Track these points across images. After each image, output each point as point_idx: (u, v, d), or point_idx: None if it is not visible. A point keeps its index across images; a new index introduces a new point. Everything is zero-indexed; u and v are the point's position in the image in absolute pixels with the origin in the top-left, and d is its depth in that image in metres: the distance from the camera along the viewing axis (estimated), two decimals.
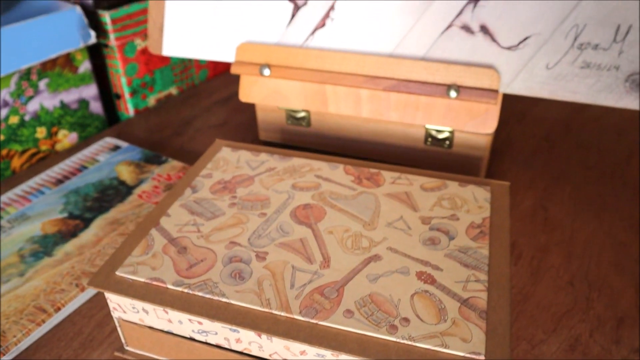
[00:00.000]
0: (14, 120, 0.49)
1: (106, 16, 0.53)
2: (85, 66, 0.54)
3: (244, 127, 0.54)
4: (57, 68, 0.51)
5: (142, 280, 0.30)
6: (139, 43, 0.57)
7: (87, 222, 0.42)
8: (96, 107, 0.56)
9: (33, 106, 0.51)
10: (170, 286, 0.29)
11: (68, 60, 0.52)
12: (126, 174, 0.47)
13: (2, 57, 0.46)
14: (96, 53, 0.57)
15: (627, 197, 0.45)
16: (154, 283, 0.30)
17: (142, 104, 0.59)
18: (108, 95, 0.59)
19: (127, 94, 0.58)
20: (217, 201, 0.35)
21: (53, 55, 0.49)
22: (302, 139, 0.50)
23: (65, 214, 0.43)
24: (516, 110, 0.58)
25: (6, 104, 0.48)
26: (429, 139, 0.45)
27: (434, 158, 0.46)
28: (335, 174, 0.37)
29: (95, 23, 0.54)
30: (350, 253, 0.31)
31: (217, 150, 0.41)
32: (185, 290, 0.29)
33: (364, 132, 0.47)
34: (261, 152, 0.40)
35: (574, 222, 0.42)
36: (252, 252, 0.31)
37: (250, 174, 0.38)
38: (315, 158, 0.39)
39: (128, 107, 0.59)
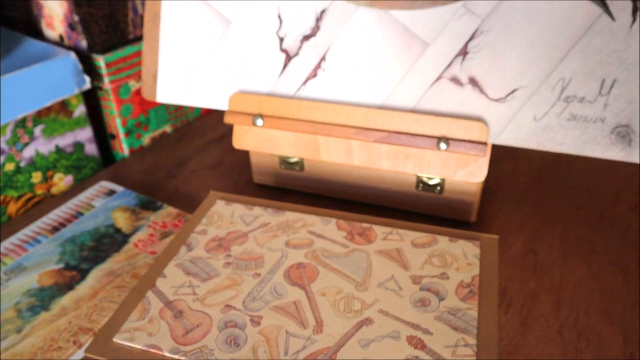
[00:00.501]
0: (10, 167, 0.50)
1: (100, 60, 0.54)
2: (80, 110, 0.54)
3: (238, 169, 0.55)
4: (53, 114, 0.52)
5: (140, 347, 0.30)
6: (133, 84, 0.57)
7: (83, 273, 0.43)
8: (91, 148, 0.57)
9: (29, 152, 0.51)
10: (167, 354, 0.30)
11: (63, 106, 0.53)
12: (122, 220, 0.48)
13: None
14: (91, 94, 0.57)
15: (615, 239, 0.46)
16: (151, 350, 0.30)
17: (136, 143, 0.60)
18: (103, 135, 0.60)
19: (121, 134, 0.58)
20: (212, 260, 0.36)
21: (48, 103, 0.50)
22: (295, 183, 0.51)
23: (61, 264, 0.44)
24: (507, 147, 0.59)
25: (2, 151, 0.49)
26: (420, 185, 0.46)
27: (425, 203, 0.47)
28: (328, 230, 0.38)
29: (89, 67, 0.55)
30: (343, 317, 0.31)
31: (212, 203, 0.42)
32: (182, 358, 0.29)
33: (356, 176, 0.47)
34: (255, 205, 0.41)
35: (563, 267, 0.43)
36: (246, 317, 0.32)
37: (244, 230, 0.38)
38: (308, 212, 0.40)
39: (123, 147, 0.59)
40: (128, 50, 0.56)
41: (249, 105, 0.45)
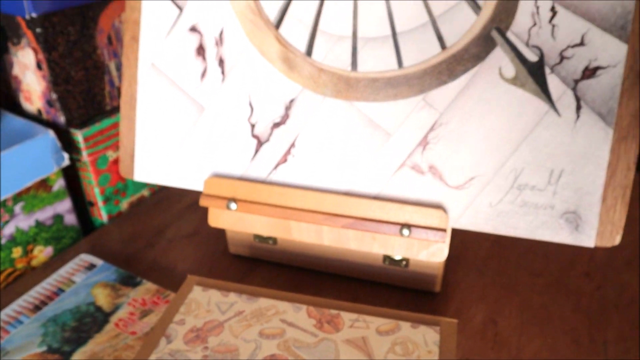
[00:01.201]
0: None
1: (79, 135, 0.56)
2: (59, 184, 0.56)
3: (215, 238, 0.57)
4: (32, 190, 0.54)
5: None
6: (111, 154, 0.59)
7: (66, 357, 0.44)
8: (70, 219, 0.58)
9: (9, 229, 0.53)
10: None
11: (42, 182, 0.54)
12: (102, 298, 0.50)
13: None
14: (69, 165, 0.59)
15: (569, 306, 0.49)
16: None
17: (115, 209, 0.62)
18: (81, 201, 0.62)
19: (100, 202, 0.60)
20: (190, 353, 0.38)
21: (28, 184, 0.51)
22: (269, 255, 0.53)
23: (44, 347, 0.45)
24: None
25: None
26: (387, 260, 0.48)
27: (392, 275, 0.50)
28: (298, 318, 0.40)
29: (67, 140, 0.56)
30: None
31: (189, 288, 0.44)
32: None
33: (326, 251, 0.50)
34: (230, 291, 0.43)
35: (521, 338, 0.46)
36: None
37: (220, 319, 0.41)
38: (281, 298, 0.42)
39: (102, 214, 0.61)
40: (105, 122, 0.58)
41: (223, 189, 0.48)
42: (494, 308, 0.49)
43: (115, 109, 0.60)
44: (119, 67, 0.59)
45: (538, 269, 0.54)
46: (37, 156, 0.52)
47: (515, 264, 0.54)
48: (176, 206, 0.63)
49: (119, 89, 0.60)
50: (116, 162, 0.60)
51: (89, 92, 0.57)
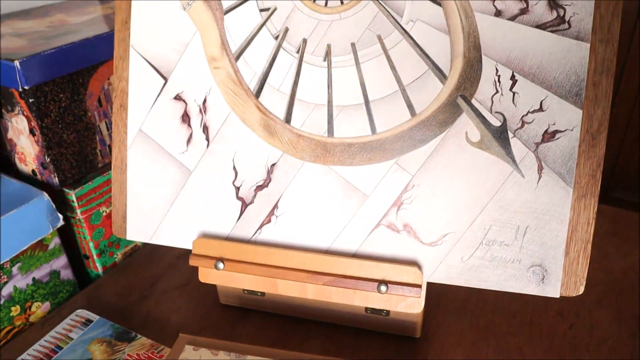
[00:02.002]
0: None
1: (72, 194, 0.58)
2: (54, 242, 0.58)
3: (206, 288, 0.60)
4: (29, 250, 0.56)
5: None
6: (104, 210, 0.62)
7: None
8: (66, 273, 0.61)
9: (7, 290, 0.55)
10: None
11: (38, 242, 0.57)
12: (99, 354, 0.52)
13: None
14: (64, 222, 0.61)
15: (543, 348, 0.52)
16: None
17: (110, 261, 0.64)
18: (76, 253, 0.64)
19: (95, 255, 0.62)
20: None
21: (25, 247, 0.54)
22: (257, 305, 0.56)
23: None
24: None
25: None
26: (369, 309, 0.51)
27: (374, 323, 0.52)
28: None
29: (61, 199, 0.59)
30: None
31: (181, 348, 0.46)
32: None
33: (312, 302, 0.53)
34: (219, 349, 0.46)
35: None
36: None
37: None
38: (268, 355, 0.45)
39: (97, 266, 0.63)
40: (98, 180, 0.60)
41: (211, 250, 0.50)
42: (471, 351, 0.52)
43: (107, 166, 0.63)
44: (109, 127, 0.62)
45: (514, 309, 0.56)
46: (34, 219, 0.55)
47: (493, 305, 0.57)
48: (168, 255, 0.66)
49: (110, 147, 0.63)
50: (109, 216, 0.63)
51: (81, 153, 0.60)
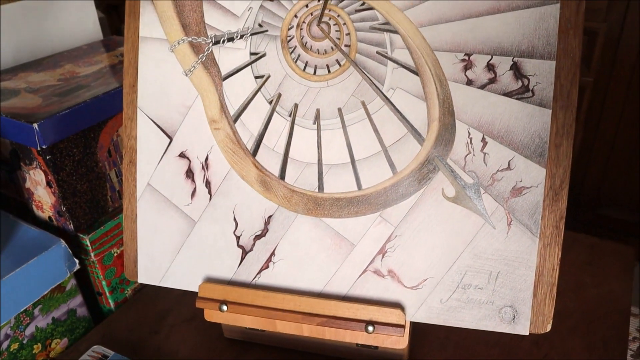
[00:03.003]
0: (15, 346, 0.59)
1: (86, 240, 0.64)
2: (71, 283, 0.64)
3: (212, 323, 0.65)
4: (48, 293, 0.61)
5: None
6: (115, 251, 0.67)
7: None
8: (82, 311, 0.66)
9: (29, 330, 0.60)
10: None
11: (57, 285, 0.62)
12: None
13: (2, 307, 0.55)
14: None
15: None
16: None
17: (121, 297, 0.69)
18: (90, 290, 0.69)
19: (107, 292, 0.68)
20: None
21: (45, 292, 0.59)
22: (259, 338, 0.61)
23: None
24: None
25: (7, 336, 0.58)
26: (359, 344, 0.56)
27: (365, 355, 0.58)
28: None
29: (76, 243, 0.64)
30: None
31: None
32: None
33: (308, 335, 0.58)
34: None
35: None
36: None
37: None
38: None
39: (109, 302, 0.69)
40: (109, 225, 0.65)
41: (215, 293, 0.56)
42: None
43: (117, 210, 0.68)
44: (118, 175, 0.67)
45: (493, 339, 0.61)
46: (53, 265, 0.60)
47: (474, 336, 0.62)
48: (175, 291, 0.70)
49: (119, 193, 0.68)
50: (120, 256, 0.68)
51: (93, 200, 0.65)
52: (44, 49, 0.82)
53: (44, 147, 0.58)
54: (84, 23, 0.88)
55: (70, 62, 0.76)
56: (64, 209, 0.62)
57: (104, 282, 0.67)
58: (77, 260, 0.62)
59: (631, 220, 1.29)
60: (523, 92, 0.48)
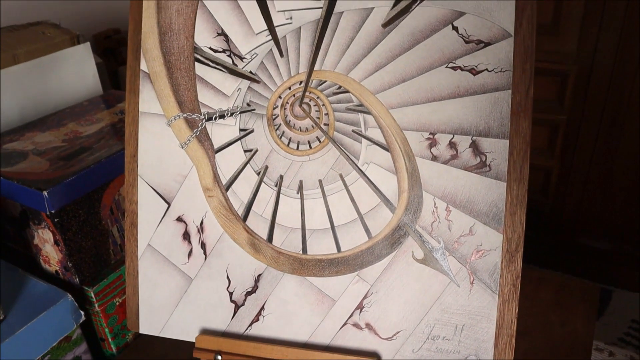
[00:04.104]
0: None
1: (91, 292, 0.69)
2: (77, 333, 0.69)
3: None
4: (55, 344, 0.67)
5: None
6: (118, 300, 0.72)
7: None
8: (87, 357, 0.71)
9: None
10: None
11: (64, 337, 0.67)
12: None
13: None
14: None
15: None
16: None
17: (122, 342, 0.75)
18: (93, 335, 0.75)
19: (110, 338, 0.73)
20: None
21: (53, 344, 0.65)
22: None
23: None
24: None
25: None
26: None
27: None
28: None
29: (81, 295, 0.70)
30: None
31: None
32: None
33: None
34: None
35: None
36: None
37: None
38: None
39: (111, 347, 0.74)
40: (112, 277, 0.71)
41: (210, 344, 0.61)
42: None
43: (119, 261, 0.74)
44: (119, 230, 0.73)
45: None
46: (60, 318, 0.65)
47: None
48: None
49: (121, 246, 0.74)
50: (122, 305, 0.73)
51: (97, 254, 0.71)
52: (47, 105, 0.88)
53: (52, 211, 0.64)
54: (84, 77, 0.94)
55: (73, 121, 0.82)
56: (70, 264, 0.68)
57: (107, 329, 0.72)
58: (82, 312, 0.68)
59: (606, 248, 1.36)
60: (481, 167, 0.54)
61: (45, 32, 0.90)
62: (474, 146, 0.54)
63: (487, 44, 0.53)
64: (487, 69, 0.54)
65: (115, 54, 1.33)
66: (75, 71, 0.91)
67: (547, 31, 1.23)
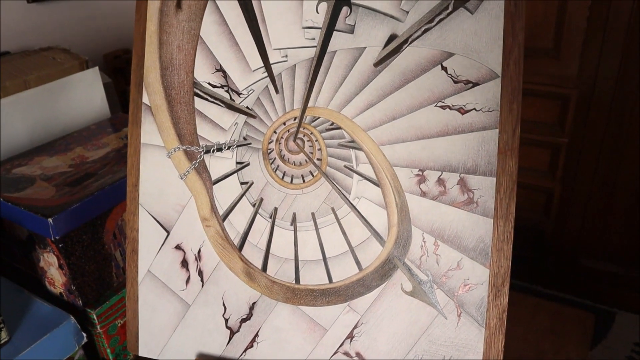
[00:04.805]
0: None
1: (93, 314, 0.71)
2: (79, 353, 0.71)
3: None
4: None
5: None
6: (119, 322, 0.75)
7: None
8: None
9: None
10: None
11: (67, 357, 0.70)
12: None
13: None
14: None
15: None
16: None
17: None
18: (95, 355, 0.77)
19: (111, 358, 0.75)
20: None
21: None
22: None
23: None
24: None
25: None
26: None
27: None
28: None
29: (84, 317, 0.72)
30: None
31: None
32: None
33: None
34: None
35: None
36: None
37: None
38: None
39: None
40: (114, 299, 0.73)
41: None
42: None
43: (121, 284, 0.76)
44: (122, 254, 0.75)
45: None
46: (63, 340, 0.68)
47: None
48: None
49: (123, 269, 0.76)
50: (123, 326, 0.76)
51: (100, 277, 0.73)
52: (56, 129, 0.91)
53: (57, 237, 0.67)
54: (92, 100, 0.97)
55: (80, 145, 0.85)
56: (73, 287, 0.70)
57: (108, 350, 0.75)
58: (84, 334, 0.70)
59: (609, 270, 1.36)
60: (469, 204, 0.56)
61: (55, 57, 0.93)
62: (462, 183, 0.56)
63: (476, 84, 0.55)
64: (475, 109, 0.55)
65: (124, 73, 1.37)
66: (84, 95, 0.94)
67: (548, 55, 1.24)
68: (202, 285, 0.64)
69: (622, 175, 1.25)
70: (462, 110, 0.56)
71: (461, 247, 0.56)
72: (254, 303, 0.62)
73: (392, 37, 0.56)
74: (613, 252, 1.34)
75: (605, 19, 1.15)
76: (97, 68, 0.94)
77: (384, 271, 0.58)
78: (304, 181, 0.60)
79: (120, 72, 1.35)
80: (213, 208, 0.63)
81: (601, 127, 1.23)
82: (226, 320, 0.63)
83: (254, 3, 0.60)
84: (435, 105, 0.56)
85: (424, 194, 0.57)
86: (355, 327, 0.59)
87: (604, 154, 1.25)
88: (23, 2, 1.16)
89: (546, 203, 1.38)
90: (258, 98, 0.61)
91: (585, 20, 1.17)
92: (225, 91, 0.62)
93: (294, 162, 0.61)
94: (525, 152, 1.28)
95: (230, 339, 0.63)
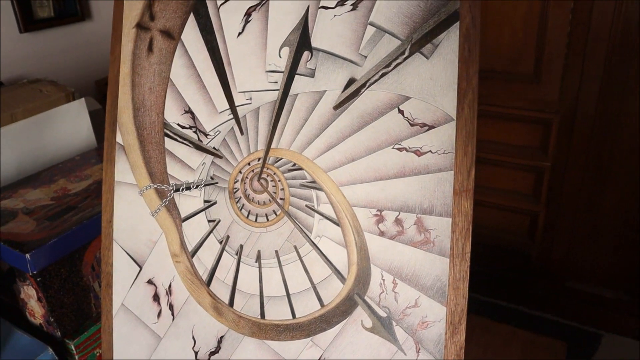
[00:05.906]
0: None
1: (72, 345, 0.74)
2: None
3: None
4: None
5: None
6: (98, 351, 0.77)
7: None
8: None
9: None
10: None
11: None
12: None
13: None
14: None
15: None
16: None
17: None
18: None
19: None
20: None
21: None
22: None
23: None
24: None
25: None
26: None
27: None
28: None
29: (63, 348, 0.74)
30: None
31: None
32: None
33: None
34: None
35: None
36: None
37: None
38: None
39: None
40: (92, 329, 0.75)
41: None
42: None
43: (100, 314, 0.78)
44: (100, 285, 0.77)
45: None
46: None
47: None
48: None
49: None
50: (100, 357, 0.78)
51: (79, 309, 0.75)
52: (44, 160, 0.93)
53: (34, 272, 0.69)
54: (78, 131, 0.99)
55: (64, 177, 0.87)
56: (52, 319, 0.73)
57: None
58: None
59: (595, 292, 1.36)
60: (426, 243, 0.58)
61: (42, 89, 0.96)
62: (419, 223, 0.58)
63: (431, 127, 0.57)
64: (430, 151, 0.57)
65: None
66: (70, 127, 0.97)
67: (529, 80, 1.25)
68: (173, 319, 0.66)
69: (607, 198, 1.26)
70: (419, 153, 0.57)
71: (419, 285, 0.58)
72: (222, 337, 0.64)
73: (351, 81, 0.58)
74: (600, 274, 1.34)
75: (584, 44, 1.17)
76: (83, 100, 0.97)
77: (345, 307, 0.60)
78: (267, 220, 0.62)
79: None
80: (182, 244, 0.65)
81: (584, 150, 1.24)
82: (196, 353, 0.65)
83: (220, 47, 0.62)
84: (393, 148, 0.58)
85: (382, 234, 0.59)
86: None
87: (587, 176, 1.26)
88: (15, 32, 1.19)
89: (530, 226, 1.39)
90: (224, 139, 0.63)
91: (564, 46, 1.19)
92: (194, 132, 0.64)
93: (258, 201, 0.63)
94: (509, 175, 1.30)
95: None
